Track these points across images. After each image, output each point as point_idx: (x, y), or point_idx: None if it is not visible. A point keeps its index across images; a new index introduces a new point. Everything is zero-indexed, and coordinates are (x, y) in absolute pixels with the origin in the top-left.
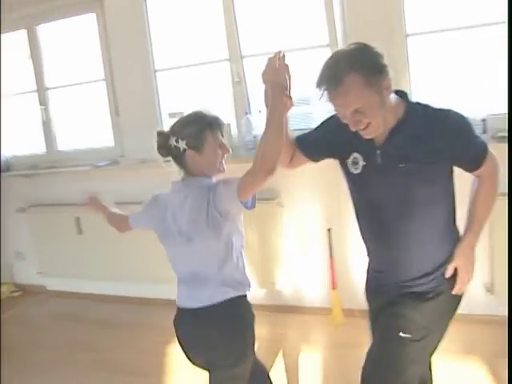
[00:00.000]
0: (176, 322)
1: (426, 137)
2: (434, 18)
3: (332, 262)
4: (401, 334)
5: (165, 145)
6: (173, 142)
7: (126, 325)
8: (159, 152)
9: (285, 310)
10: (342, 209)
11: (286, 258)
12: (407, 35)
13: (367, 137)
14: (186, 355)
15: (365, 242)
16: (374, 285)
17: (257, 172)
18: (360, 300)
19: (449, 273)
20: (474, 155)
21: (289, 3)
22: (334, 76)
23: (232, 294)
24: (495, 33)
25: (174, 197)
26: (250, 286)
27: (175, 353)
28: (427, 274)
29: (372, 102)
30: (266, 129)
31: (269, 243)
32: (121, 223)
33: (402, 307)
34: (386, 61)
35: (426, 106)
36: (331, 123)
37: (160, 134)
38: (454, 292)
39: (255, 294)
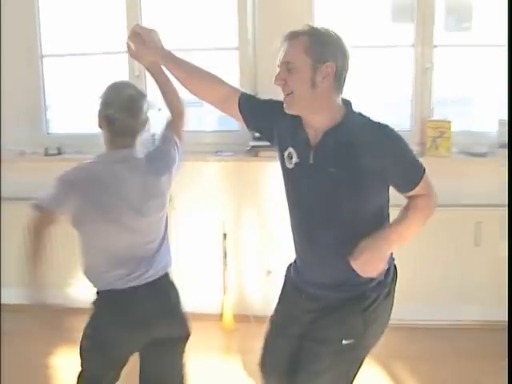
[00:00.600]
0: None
1: (358, 146)
2: None
3: (226, 267)
4: (343, 341)
5: (142, 108)
6: (151, 105)
7: None
8: (124, 115)
9: None
10: (239, 214)
11: (176, 263)
12: None
13: (286, 109)
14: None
15: (292, 236)
16: (298, 286)
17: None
18: (254, 305)
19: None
20: (407, 176)
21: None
22: (295, 31)
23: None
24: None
25: (120, 169)
26: None
27: (59, 365)
28: (353, 280)
29: (302, 67)
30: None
31: None
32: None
33: (336, 315)
34: (343, 57)
35: (365, 117)
36: (279, 107)
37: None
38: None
39: None
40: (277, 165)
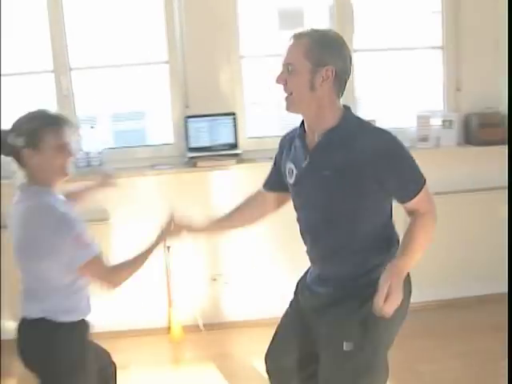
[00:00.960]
0: None
1: (352, 149)
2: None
3: (169, 279)
4: (345, 343)
5: (4, 143)
6: (11, 139)
7: None
8: (1, 151)
9: (122, 334)
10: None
11: None
12: (241, 57)
13: (287, 109)
14: None
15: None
16: (307, 285)
17: (111, 280)
18: (202, 314)
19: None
20: (404, 186)
21: (123, 17)
22: (298, 33)
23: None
24: None
25: (14, 206)
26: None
27: None
28: (356, 279)
29: (302, 69)
30: (139, 256)
31: None
32: None
33: (337, 317)
34: (344, 61)
35: (365, 122)
36: (278, 149)
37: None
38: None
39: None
40: (216, 174)
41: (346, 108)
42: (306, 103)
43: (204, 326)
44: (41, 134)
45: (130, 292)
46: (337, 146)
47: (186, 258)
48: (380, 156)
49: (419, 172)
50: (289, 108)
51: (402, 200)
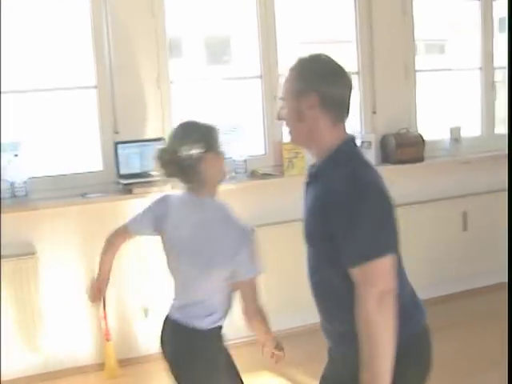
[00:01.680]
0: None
1: (321, 187)
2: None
3: (105, 313)
4: None
5: (172, 160)
6: (185, 151)
7: None
8: (166, 171)
9: (54, 375)
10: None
11: (48, 318)
12: (171, 82)
13: (291, 143)
14: None
15: None
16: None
17: (253, 309)
18: (138, 346)
19: None
20: (346, 250)
21: (50, 41)
22: (293, 64)
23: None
24: None
25: (187, 211)
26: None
27: None
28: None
29: (290, 101)
30: None
31: (27, 302)
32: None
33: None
34: (330, 84)
35: (352, 158)
36: None
37: (163, 150)
38: None
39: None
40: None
41: (348, 138)
42: (299, 134)
43: (143, 357)
44: (217, 138)
45: (61, 329)
46: (317, 179)
47: (121, 291)
48: (335, 202)
49: (374, 240)
50: (291, 141)
51: (345, 264)
